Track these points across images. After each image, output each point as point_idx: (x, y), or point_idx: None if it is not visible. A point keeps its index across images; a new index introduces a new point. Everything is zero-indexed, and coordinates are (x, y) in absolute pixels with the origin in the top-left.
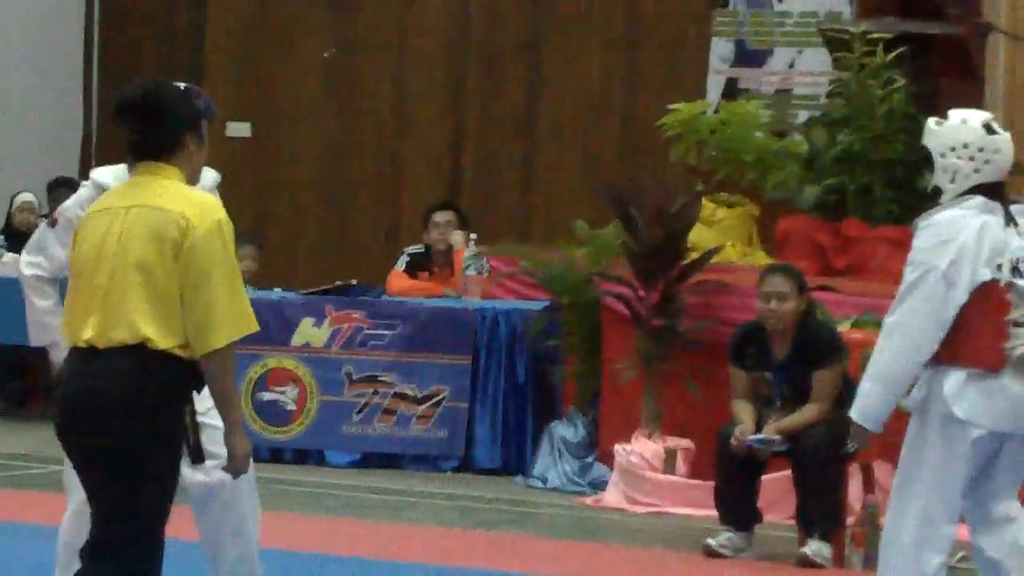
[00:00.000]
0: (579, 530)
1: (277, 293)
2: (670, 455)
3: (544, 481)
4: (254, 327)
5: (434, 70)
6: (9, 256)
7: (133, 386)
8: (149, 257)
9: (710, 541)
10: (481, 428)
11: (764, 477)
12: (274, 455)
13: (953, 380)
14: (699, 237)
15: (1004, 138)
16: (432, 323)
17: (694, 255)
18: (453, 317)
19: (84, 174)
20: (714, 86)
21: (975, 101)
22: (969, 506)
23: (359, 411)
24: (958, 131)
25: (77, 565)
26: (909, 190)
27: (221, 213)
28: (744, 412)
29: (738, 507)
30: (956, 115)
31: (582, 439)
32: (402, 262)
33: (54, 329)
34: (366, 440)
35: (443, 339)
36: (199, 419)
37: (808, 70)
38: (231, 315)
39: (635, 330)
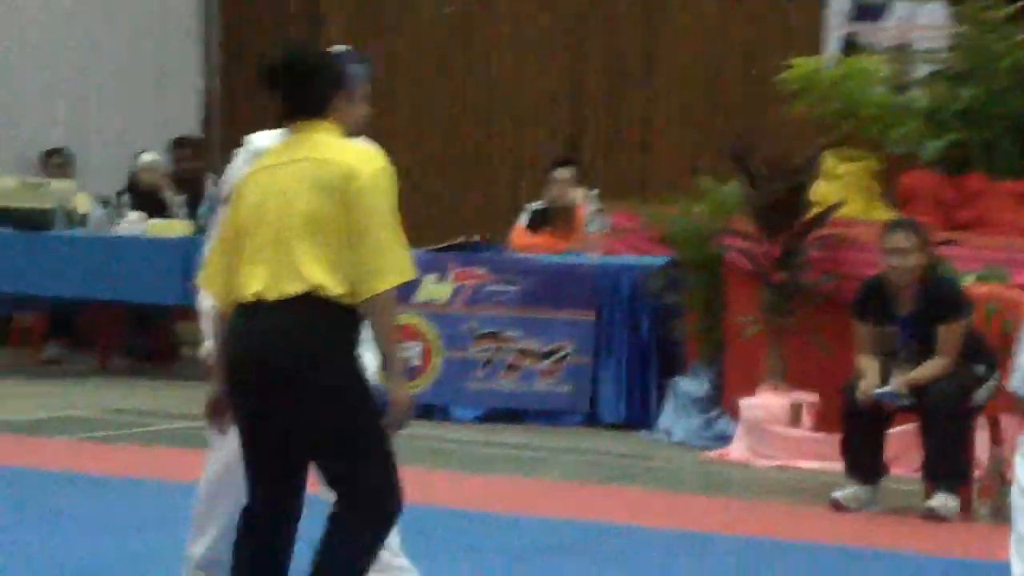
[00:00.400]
0: (705, 484)
1: None
2: (796, 409)
3: (669, 435)
4: (414, 274)
5: (551, 24)
6: (134, 215)
7: (312, 336)
8: (316, 207)
9: (836, 494)
10: (605, 383)
11: (890, 430)
12: None
13: None
14: (820, 192)
15: None
16: (554, 279)
17: (816, 210)
18: (575, 273)
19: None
20: (833, 41)
21: None
22: None
23: (483, 366)
24: None
25: (212, 521)
26: None
27: (383, 161)
28: (869, 366)
29: (864, 460)
30: None
31: (707, 393)
32: (524, 218)
33: None
34: (491, 395)
35: (566, 294)
36: None
37: (927, 24)
38: (394, 261)
39: (757, 285)
